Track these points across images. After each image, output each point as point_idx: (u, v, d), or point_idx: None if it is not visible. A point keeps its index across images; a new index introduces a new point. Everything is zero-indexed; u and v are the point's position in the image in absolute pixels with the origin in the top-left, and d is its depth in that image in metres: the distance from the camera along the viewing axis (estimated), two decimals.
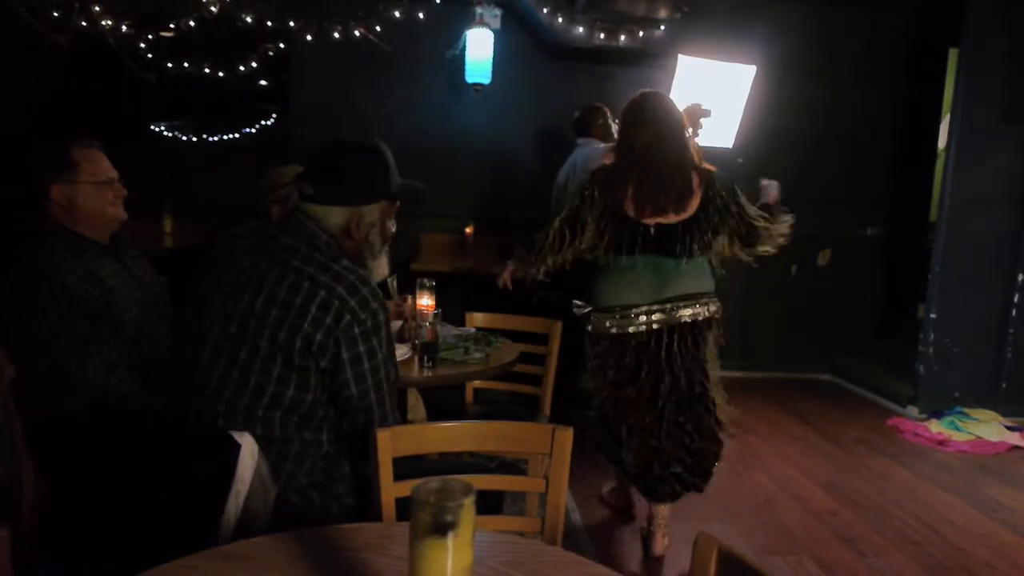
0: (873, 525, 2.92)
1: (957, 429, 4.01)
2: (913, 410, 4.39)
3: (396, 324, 2.63)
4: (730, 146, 4.11)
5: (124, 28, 3.87)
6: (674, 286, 2.43)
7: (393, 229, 2.43)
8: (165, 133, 8.99)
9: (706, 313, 2.45)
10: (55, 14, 3.71)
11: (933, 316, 4.32)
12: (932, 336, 4.33)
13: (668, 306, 2.42)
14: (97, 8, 3.76)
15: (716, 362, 2.53)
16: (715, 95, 3.78)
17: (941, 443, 3.90)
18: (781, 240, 2.45)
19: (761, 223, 2.40)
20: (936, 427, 4.05)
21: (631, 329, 2.44)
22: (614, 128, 3.95)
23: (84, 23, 3.76)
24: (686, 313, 2.43)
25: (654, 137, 2.40)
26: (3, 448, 1.82)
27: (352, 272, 1.43)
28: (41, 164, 1.99)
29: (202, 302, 1.47)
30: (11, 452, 1.81)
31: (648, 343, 2.43)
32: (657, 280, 2.43)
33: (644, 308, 2.43)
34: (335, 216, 1.50)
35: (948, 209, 4.26)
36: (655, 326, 2.42)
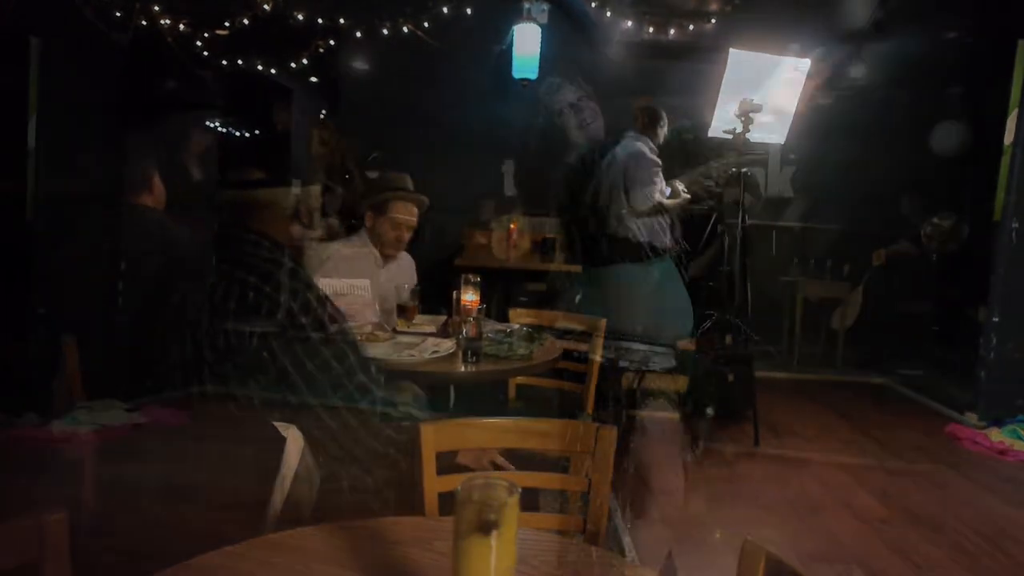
0: (928, 536, 2.81)
1: (1020, 438, 3.84)
2: (972, 417, 4.21)
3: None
4: (782, 142, 4.01)
5: (182, 27, 3.99)
6: None
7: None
8: (219, 129, 9.24)
9: None
10: (117, 14, 3.84)
11: (996, 320, 4.14)
12: (994, 340, 4.15)
13: None
14: (156, 8, 3.89)
15: None
16: (767, 90, 3.69)
17: (1002, 452, 3.74)
18: None
19: None
20: (997, 436, 3.89)
21: None
22: (662, 124, 3.91)
23: (144, 22, 3.89)
24: None
25: None
26: None
27: (270, 261, 1.36)
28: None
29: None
30: None
31: None
32: None
33: None
34: (290, 197, 1.44)
35: (1014, 208, 4.07)
36: None
